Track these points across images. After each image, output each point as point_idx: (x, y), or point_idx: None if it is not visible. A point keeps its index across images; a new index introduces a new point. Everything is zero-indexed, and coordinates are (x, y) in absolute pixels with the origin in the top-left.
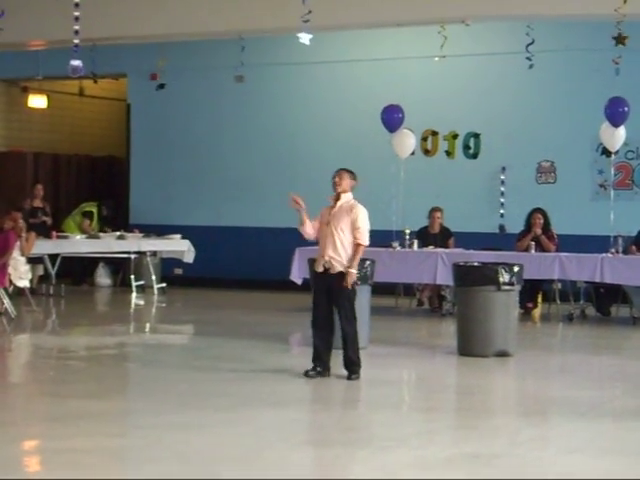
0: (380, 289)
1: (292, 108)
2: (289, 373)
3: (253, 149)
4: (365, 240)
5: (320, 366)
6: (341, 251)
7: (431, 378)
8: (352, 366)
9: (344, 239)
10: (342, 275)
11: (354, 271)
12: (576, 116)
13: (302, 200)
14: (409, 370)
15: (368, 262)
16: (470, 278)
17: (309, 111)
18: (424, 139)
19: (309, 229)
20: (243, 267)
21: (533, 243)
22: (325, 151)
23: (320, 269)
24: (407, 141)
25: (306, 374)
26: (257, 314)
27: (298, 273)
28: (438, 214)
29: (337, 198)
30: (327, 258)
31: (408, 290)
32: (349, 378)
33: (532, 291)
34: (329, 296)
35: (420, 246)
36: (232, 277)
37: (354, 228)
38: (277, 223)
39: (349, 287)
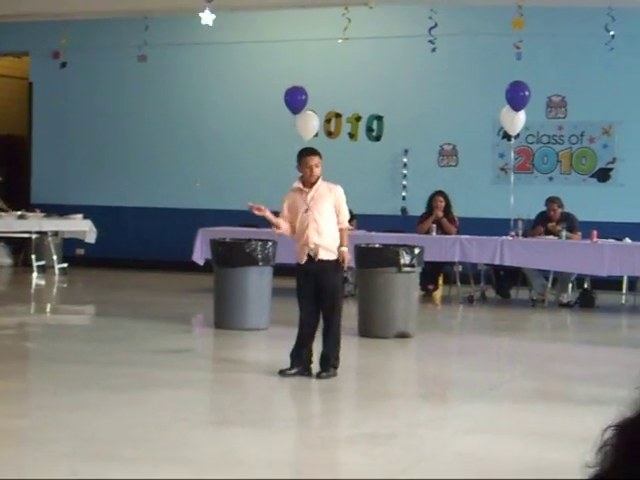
0: (282, 270)
1: (195, 89)
2: (189, 354)
3: (155, 130)
4: (347, 223)
5: (298, 364)
6: (326, 237)
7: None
8: (327, 363)
9: (328, 223)
10: (329, 263)
11: (346, 249)
12: (478, 100)
13: (261, 205)
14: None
15: (270, 243)
16: (371, 260)
17: (212, 92)
18: (327, 121)
19: (286, 228)
20: (145, 248)
21: (434, 225)
22: (228, 132)
23: (304, 259)
24: (310, 123)
25: (282, 373)
26: (159, 295)
27: (200, 254)
28: None
29: (312, 185)
30: (312, 246)
31: None
32: (319, 375)
33: (433, 273)
34: (315, 287)
35: None
36: (134, 258)
37: (338, 211)
38: (179, 204)
39: (346, 265)
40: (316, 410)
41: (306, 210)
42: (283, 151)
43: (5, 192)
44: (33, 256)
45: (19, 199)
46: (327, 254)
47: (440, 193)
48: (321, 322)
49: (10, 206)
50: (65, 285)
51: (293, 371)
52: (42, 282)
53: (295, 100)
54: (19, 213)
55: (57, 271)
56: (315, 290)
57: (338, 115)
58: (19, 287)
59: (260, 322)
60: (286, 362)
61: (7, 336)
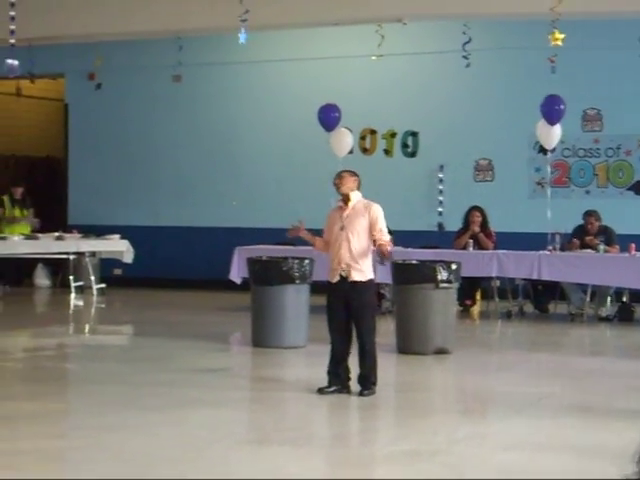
0: (319, 288)
1: (229, 108)
2: (227, 373)
3: (189, 150)
4: (387, 237)
5: (336, 382)
6: (358, 257)
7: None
8: (367, 382)
9: (361, 243)
10: (360, 283)
11: (386, 240)
12: (513, 114)
13: (301, 223)
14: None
15: (307, 261)
16: (409, 276)
17: (246, 111)
18: (362, 138)
19: (323, 246)
20: (182, 267)
21: (471, 241)
22: (262, 150)
23: (336, 279)
24: (345, 140)
25: (320, 391)
26: (196, 314)
27: (237, 272)
28: None
29: (347, 199)
30: (344, 266)
31: None
32: (361, 393)
33: (470, 289)
34: (346, 307)
35: None
36: (171, 277)
37: (374, 230)
38: (214, 223)
39: (388, 256)
40: (355, 428)
41: (341, 228)
42: (318, 169)
43: (44, 213)
44: (71, 277)
45: (57, 220)
46: (359, 275)
47: (476, 208)
48: (355, 341)
49: (48, 228)
50: (103, 305)
51: (332, 389)
52: (80, 303)
53: (328, 117)
54: (57, 234)
55: (95, 291)
56: (346, 309)
57: (373, 132)
58: (57, 308)
59: (298, 340)
60: (324, 380)
61: (46, 357)
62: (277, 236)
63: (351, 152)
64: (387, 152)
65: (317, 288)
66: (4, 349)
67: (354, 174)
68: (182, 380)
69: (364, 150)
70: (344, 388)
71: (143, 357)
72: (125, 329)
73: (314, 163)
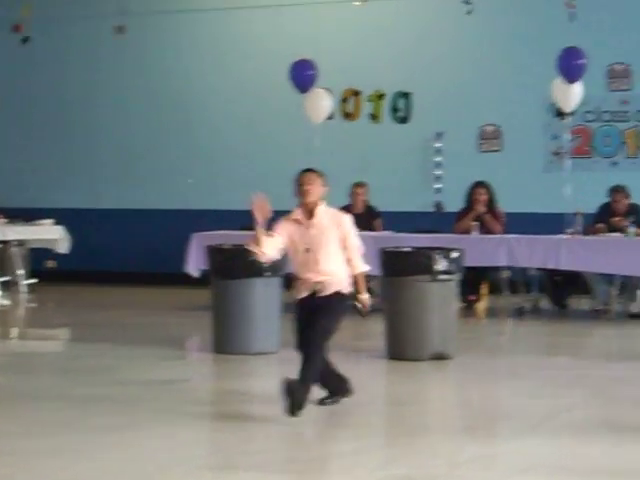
0: (289, 282)
1: (183, 66)
2: (185, 385)
3: (136, 117)
4: (363, 264)
5: (334, 390)
6: (335, 273)
7: (355, 387)
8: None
9: (334, 263)
10: (336, 294)
11: (366, 295)
12: (524, 71)
13: (267, 204)
14: None
15: None
16: (400, 266)
17: (204, 69)
18: (343, 100)
19: (270, 251)
20: (129, 258)
21: (476, 223)
22: (223, 116)
23: (305, 294)
24: (322, 103)
25: (321, 402)
26: (147, 315)
27: (195, 264)
28: (361, 190)
29: (310, 213)
30: (315, 285)
31: None
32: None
33: (475, 281)
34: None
35: None
36: (116, 271)
37: (346, 249)
38: (167, 204)
39: (364, 313)
40: (336, 450)
41: (307, 250)
42: (289, 138)
43: None
44: None
45: None
46: (334, 287)
47: (481, 184)
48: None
49: None
50: (34, 305)
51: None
52: (6, 302)
53: (303, 76)
54: None
55: (24, 288)
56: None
57: (356, 93)
58: None
59: (268, 345)
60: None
61: None
62: (242, 220)
63: (330, 118)
64: (374, 117)
65: (290, 282)
66: None
67: (324, 180)
68: (131, 394)
69: (346, 115)
70: (346, 392)
71: (84, 367)
72: (61, 334)
73: (286, 132)
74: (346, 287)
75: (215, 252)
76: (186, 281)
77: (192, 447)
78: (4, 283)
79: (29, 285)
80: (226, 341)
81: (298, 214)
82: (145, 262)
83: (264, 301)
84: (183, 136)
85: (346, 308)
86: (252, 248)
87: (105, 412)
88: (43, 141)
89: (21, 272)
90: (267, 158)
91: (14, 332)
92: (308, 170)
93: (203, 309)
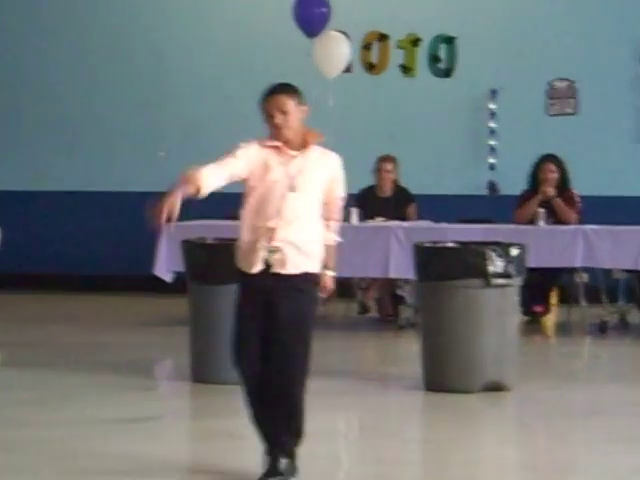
0: None
1: (150, 5)
2: (155, 425)
3: (93, 70)
4: (337, 234)
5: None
6: (310, 235)
7: (381, 430)
8: (289, 440)
9: (314, 215)
10: (302, 279)
11: (333, 273)
12: (608, 10)
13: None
14: (347, 417)
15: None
16: (441, 267)
17: (183, 7)
18: (366, 47)
19: (212, 182)
20: (80, 257)
21: (542, 210)
22: (205, 68)
23: (257, 268)
24: (337, 50)
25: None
26: (102, 332)
27: (166, 265)
28: (389, 166)
29: (302, 142)
30: (277, 247)
31: (344, 288)
32: (273, 473)
33: (542, 287)
34: (267, 314)
35: (362, 218)
36: (63, 273)
37: (330, 197)
38: (131, 186)
39: (324, 295)
40: None
41: (291, 188)
42: None
43: None
44: None
45: None
46: (302, 264)
47: (551, 159)
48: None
49: None
50: None
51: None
52: None
53: (311, 15)
54: None
55: None
56: (265, 321)
57: (383, 37)
58: None
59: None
60: (313, 435)
61: None
62: (228, 206)
63: (348, 70)
64: (406, 69)
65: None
66: None
67: (301, 99)
68: (84, 436)
69: (369, 67)
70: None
71: (22, 400)
72: None
73: None
74: (318, 262)
75: (193, 249)
76: (155, 287)
77: None
78: None
79: None
80: (208, 366)
81: (274, 141)
82: (100, 262)
83: None
84: (151, 96)
85: (314, 305)
86: (179, 192)
87: (47, 460)
88: None
89: None
90: (264, 123)
91: None
92: (273, 89)
93: (178, 324)
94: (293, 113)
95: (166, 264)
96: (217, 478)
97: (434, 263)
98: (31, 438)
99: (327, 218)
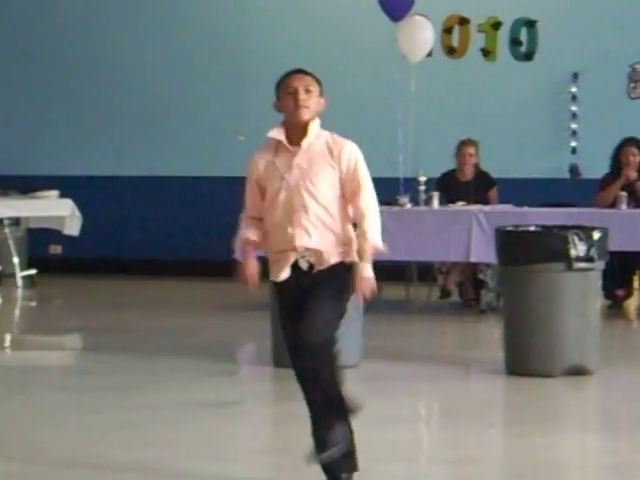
0: (381, 272)
1: None
2: (236, 410)
3: (168, 59)
4: (376, 207)
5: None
6: (327, 234)
7: (462, 415)
8: (326, 438)
9: (328, 209)
10: (332, 268)
11: (370, 273)
12: None
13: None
14: (428, 402)
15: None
16: (523, 251)
17: None
18: (447, 31)
19: (259, 236)
20: (160, 242)
21: (624, 194)
22: (287, 54)
23: (286, 274)
24: (420, 35)
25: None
26: (182, 316)
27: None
28: (471, 150)
29: (303, 130)
30: (302, 250)
31: (425, 273)
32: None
33: (624, 271)
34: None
35: (444, 202)
36: (143, 258)
37: (352, 187)
38: (210, 171)
39: (362, 298)
40: None
41: (296, 186)
42: (378, 81)
43: None
44: None
45: None
46: (332, 259)
47: (632, 142)
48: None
49: None
50: (33, 303)
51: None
52: None
53: (395, 0)
54: None
55: (20, 281)
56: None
57: (464, 21)
58: None
59: (347, 356)
60: (391, 420)
61: None
62: None
63: (430, 54)
64: (487, 53)
65: (376, 273)
66: None
67: (320, 87)
68: (166, 420)
69: (450, 51)
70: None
71: (101, 385)
72: (69, 341)
73: (371, 72)
74: (350, 254)
75: None
76: (233, 272)
77: None
78: None
79: (27, 278)
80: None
81: (279, 134)
82: (180, 247)
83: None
84: (231, 81)
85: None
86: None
87: (128, 445)
88: (44, 88)
89: (16, 260)
90: (346, 107)
91: (6, 339)
92: (299, 71)
93: (259, 308)
94: (316, 97)
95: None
96: (299, 462)
97: (516, 247)
98: (112, 423)
99: (358, 206)
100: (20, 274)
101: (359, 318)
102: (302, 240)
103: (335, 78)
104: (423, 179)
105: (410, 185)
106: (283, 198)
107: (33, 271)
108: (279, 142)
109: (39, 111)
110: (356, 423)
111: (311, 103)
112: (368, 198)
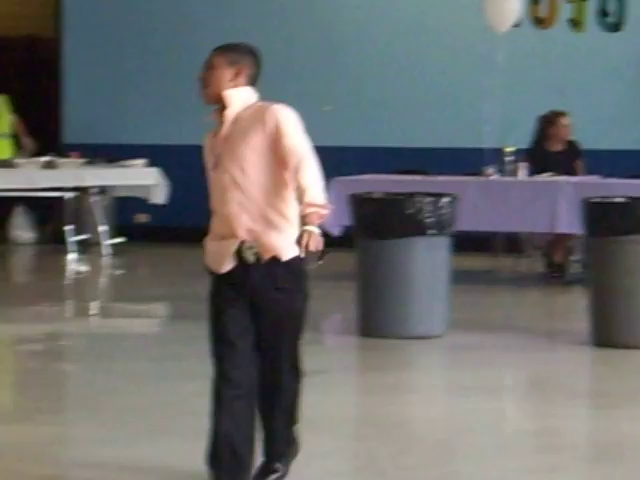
0: (466, 242)
1: None
2: (323, 378)
3: (263, 22)
4: (314, 166)
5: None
6: (268, 213)
7: (548, 385)
8: (285, 450)
9: (264, 184)
10: (287, 265)
11: (316, 230)
12: None
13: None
14: (514, 372)
15: (446, 199)
16: (611, 222)
17: None
18: (534, 1)
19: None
20: None
21: None
22: (381, 26)
23: (228, 266)
24: (508, 5)
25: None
26: None
27: (335, 219)
28: (564, 121)
29: (220, 110)
30: (243, 237)
31: (511, 243)
32: (272, 472)
33: None
34: (251, 316)
35: (532, 173)
36: None
37: (283, 149)
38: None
39: (309, 250)
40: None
41: (216, 165)
42: (464, 52)
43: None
44: (68, 227)
45: (45, 136)
46: (275, 247)
47: None
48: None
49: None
50: (120, 272)
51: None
52: (83, 268)
53: None
54: (45, 159)
55: (107, 249)
56: (252, 317)
57: None
58: (48, 276)
59: (431, 326)
60: (473, 388)
61: (31, 354)
62: (397, 160)
63: (517, 25)
64: (575, 23)
65: (462, 243)
66: None
67: (236, 56)
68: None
69: (538, 21)
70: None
71: (186, 353)
72: (156, 309)
73: (459, 43)
74: (288, 243)
75: (362, 203)
76: (324, 241)
77: (334, 459)
78: (82, 243)
79: (114, 246)
80: (376, 321)
81: (213, 117)
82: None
83: (426, 268)
84: (320, 51)
85: (304, 293)
86: None
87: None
88: (132, 59)
89: (103, 229)
90: (434, 78)
91: (94, 307)
92: (215, 51)
93: (346, 278)
94: (221, 70)
95: (334, 218)
96: (384, 431)
97: (603, 218)
98: (197, 391)
99: (295, 182)
100: (107, 242)
101: (444, 289)
102: (242, 225)
103: (422, 48)
104: (511, 149)
105: (497, 156)
106: (216, 176)
107: (121, 239)
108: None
109: (126, 80)
110: (440, 393)
111: (212, 81)
112: (304, 167)
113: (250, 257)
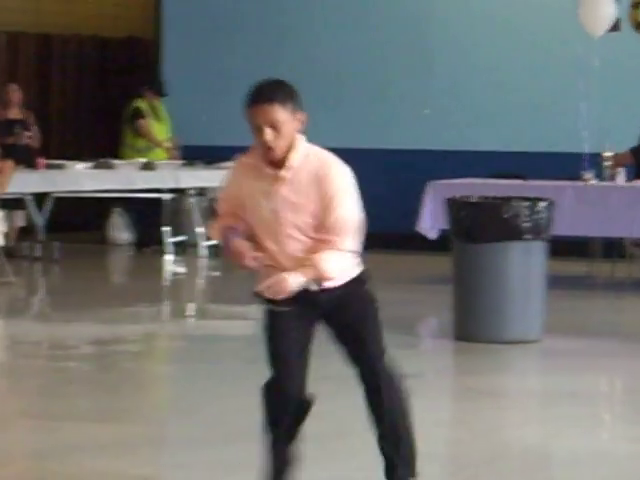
0: (563, 247)
1: None
2: (418, 382)
3: (361, 25)
4: (349, 243)
5: None
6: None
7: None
8: (405, 469)
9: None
10: (351, 285)
11: (296, 279)
12: None
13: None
14: (611, 379)
15: (543, 204)
16: None
17: None
18: (635, 5)
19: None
20: None
21: None
22: (468, 31)
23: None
24: (603, 9)
25: None
26: None
27: (431, 222)
28: None
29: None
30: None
31: (608, 248)
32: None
33: None
34: (332, 325)
35: (632, 177)
36: None
37: (328, 220)
38: (394, 143)
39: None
40: None
41: (274, 212)
42: (559, 57)
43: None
44: (166, 229)
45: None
46: (343, 275)
47: None
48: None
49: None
50: (217, 273)
51: None
52: (181, 269)
53: None
54: (143, 161)
55: (204, 251)
56: (337, 333)
57: None
58: (145, 278)
59: (527, 330)
60: (569, 393)
61: (129, 354)
62: (493, 164)
63: (615, 29)
64: None
65: (557, 247)
66: (63, 342)
67: (294, 102)
68: (339, 392)
69: (638, 25)
70: None
71: None
72: (253, 311)
73: (553, 48)
74: (356, 265)
75: (458, 207)
76: (419, 245)
77: (427, 462)
78: (179, 245)
79: (211, 247)
80: (471, 325)
81: (253, 158)
82: (365, 219)
83: (522, 272)
84: (416, 56)
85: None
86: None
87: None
88: (232, 60)
89: (201, 230)
90: (526, 84)
91: (191, 309)
92: (261, 94)
93: (441, 282)
94: (288, 124)
95: (430, 221)
96: (479, 435)
97: None
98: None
99: (328, 240)
100: (204, 244)
101: (541, 293)
102: (293, 261)
103: (513, 52)
104: (609, 154)
105: (595, 160)
106: (265, 214)
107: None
108: (255, 165)
109: (225, 81)
110: (534, 398)
111: (281, 140)
112: (344, 234)
113: (312, 286)
